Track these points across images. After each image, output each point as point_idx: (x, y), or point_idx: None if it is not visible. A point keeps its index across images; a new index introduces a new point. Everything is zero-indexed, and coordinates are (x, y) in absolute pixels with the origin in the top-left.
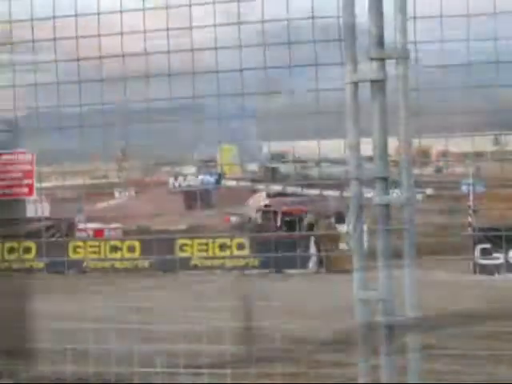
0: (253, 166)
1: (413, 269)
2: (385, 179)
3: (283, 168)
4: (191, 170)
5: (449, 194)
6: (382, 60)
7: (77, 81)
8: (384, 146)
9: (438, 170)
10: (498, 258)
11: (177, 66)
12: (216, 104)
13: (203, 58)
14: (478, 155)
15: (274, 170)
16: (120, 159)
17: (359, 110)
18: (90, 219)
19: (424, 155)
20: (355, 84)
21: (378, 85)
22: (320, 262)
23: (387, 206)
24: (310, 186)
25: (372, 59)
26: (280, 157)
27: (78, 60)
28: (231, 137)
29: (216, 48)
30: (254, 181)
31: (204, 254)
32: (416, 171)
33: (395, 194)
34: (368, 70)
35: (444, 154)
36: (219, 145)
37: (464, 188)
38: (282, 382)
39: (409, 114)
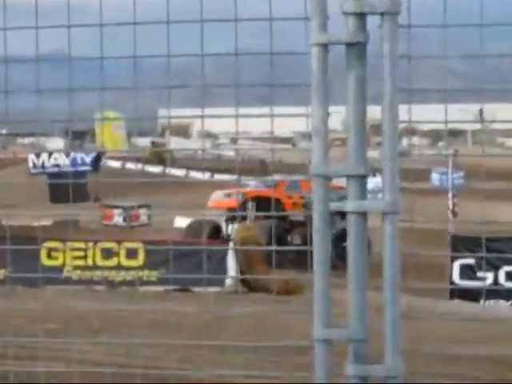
0: (145, 142)
1: (396, 303)
2: (361, 177)
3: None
4: (59, 143)
5: (417, 187)
6: (361, 15)
7: None
8: (361, 134)
9: (403, 154)
10: (485, 278)
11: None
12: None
13: None
14: (455, 135)
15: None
16: None
17: (328, 82)
18: None
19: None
20: (324, 46)
21: (356, 49)
22: (241, 280)
23: (364, 213)
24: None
25: (348, 14)
26: (185, 131)
27: None
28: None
29: None
30: (145, 162)
31: (81, 263)
32: (373, 153)
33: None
34: (342, 28)
35: (411, 132)
36: (99, 111)
37: (435, 179)
38: None
39: (395, 88)
